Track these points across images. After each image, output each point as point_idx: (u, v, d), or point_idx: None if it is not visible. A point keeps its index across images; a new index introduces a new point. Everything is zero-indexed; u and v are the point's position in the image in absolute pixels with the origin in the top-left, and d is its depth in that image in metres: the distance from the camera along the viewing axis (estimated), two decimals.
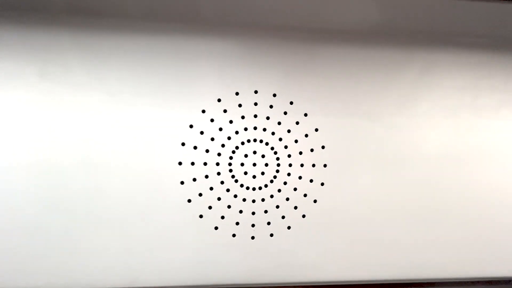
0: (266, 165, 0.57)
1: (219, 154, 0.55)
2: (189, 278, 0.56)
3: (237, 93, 0.55)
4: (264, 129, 0.56)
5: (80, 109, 0.52)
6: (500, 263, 0.63)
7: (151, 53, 0.53)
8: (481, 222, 0.62)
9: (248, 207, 0.57)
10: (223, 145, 0.55)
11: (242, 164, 0.56)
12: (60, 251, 0.53)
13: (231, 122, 0.55)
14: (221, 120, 0.55)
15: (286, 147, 0.57)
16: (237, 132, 0.56)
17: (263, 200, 0.57)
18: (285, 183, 0.57)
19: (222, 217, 0.56)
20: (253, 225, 0.57)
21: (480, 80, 0.59)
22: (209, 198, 0.56)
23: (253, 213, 0.57)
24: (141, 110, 0.53)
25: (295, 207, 0.58)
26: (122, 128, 0.53)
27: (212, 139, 0.55)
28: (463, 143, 0.60)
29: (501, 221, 0.62)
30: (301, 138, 0.57)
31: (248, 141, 0.56)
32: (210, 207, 0.56)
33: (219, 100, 0.55)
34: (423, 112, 0.59)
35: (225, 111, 0.55)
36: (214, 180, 0.56)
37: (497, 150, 0.61)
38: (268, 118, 0.56)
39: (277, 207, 0.58)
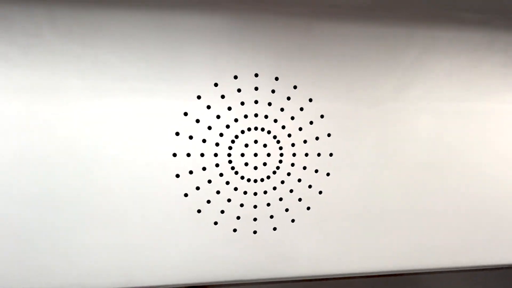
0: (268, 155, 0.53)
1: (217, 144, 0.52)
2: (188, 276, 0.54)
3: (235, 77, 0.51)
4: (266, 116, 0.52)
5: (61, 96, 0.47)
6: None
7: (139, 32, 0.48)
8: (487, 209, 0.61)
9: (249, 200, 0.54)
10: (221, 134, 0.52)
11: (242, 155, 0.53)
12: (46, 251, 0.50)
13: (229, 108, 0.51)
14: (219, 106, 0.51)
15: (289, 135, 0.53)
16: (236, 120, 0.52)
17: (265, 192, 0.54)
18: (288, 174, 0.54)
19: (222, 212, 0.53)
20: (255, 219, 0.54)
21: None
22: (208, 191, 0.52)
23: (255, 207, 0.54)
24: (129, 97, 0.48)
25: (300, 199, 0.55)
26: (108, 118, 0.48)
27: (209, 127, 0.51)
28: (473, 128, 0.58)
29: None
30: (305, 126, 0.53)
31: (249, 129, 0.52)
32: (208, 201, 0.53)
33: (216, 85, 0.50)
34: (430, 96, 0.56)
35: (222, 96, 0.51)
36: (212, 172, 0.52)
37: (502, 135, 0.59)
38: (270, 104, 0.52)
39: (280, 199, 0.55)
